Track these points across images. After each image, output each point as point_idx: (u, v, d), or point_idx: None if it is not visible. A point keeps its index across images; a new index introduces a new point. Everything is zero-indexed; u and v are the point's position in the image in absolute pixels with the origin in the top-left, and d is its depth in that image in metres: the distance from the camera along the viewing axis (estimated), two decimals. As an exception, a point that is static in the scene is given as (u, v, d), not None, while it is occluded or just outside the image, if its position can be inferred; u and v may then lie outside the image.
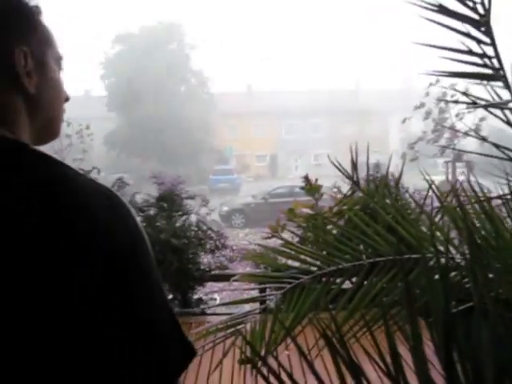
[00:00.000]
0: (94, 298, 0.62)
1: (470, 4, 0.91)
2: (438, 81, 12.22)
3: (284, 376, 0.93)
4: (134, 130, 28.18)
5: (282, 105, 33.66)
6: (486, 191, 1.51)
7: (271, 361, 0.97)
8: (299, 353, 0.98)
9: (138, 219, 0.72)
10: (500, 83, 1.17)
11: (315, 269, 1.68)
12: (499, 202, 1.49)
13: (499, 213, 1.47)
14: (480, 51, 0.97)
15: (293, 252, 1.75)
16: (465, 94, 1.05)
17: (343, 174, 2.00)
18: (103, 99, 29.55)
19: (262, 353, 1.62)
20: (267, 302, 1.69)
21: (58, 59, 0.80)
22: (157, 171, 5.08)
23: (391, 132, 32.84)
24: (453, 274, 1.46)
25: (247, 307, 3.00)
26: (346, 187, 2.18)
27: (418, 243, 1.53)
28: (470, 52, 0.97)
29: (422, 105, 13.33)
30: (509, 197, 1.38)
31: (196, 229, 4.81)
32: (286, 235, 2.37)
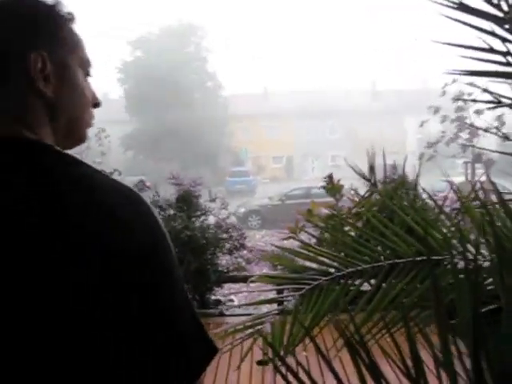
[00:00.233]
0: (95, 298, 0.61)
1: (495, 1, 0.90)
2: (454, 80, 12.06)
3: (302, 376, 0.93)
4: (150, 133, 28.43)
5: (297, 106, 33.59)
6: (505, 191, 1.49)
7: (290, 362, 0.98)
8: (317, 352, 0.98)
9: (160, 218, 0.72)
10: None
11: (333, 270, 1.67)
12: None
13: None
14: (504, 49, 0.95)
15: (311, 254, 1.74)
16: (486, 91, 1.03)
17: (360, 176, 1.99)
18: (121, 102, 29.88)
19: (281, 353, 1.62)
20: (285, 303, 1.69)
21: (84, 65, 0.80)
22: (174, 173, 5.12)
23: (409, 133, 32.51)
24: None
25: (264, 309, 3.00)
26: (362, 188, 2.16)
27: (438, 244, 1.51)
28: (492, 50, 0.96)
29: (437, 109, 13.15)
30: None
31: (214, 230, 4.83)
32: (304, 236, 2.36)
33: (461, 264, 1.44)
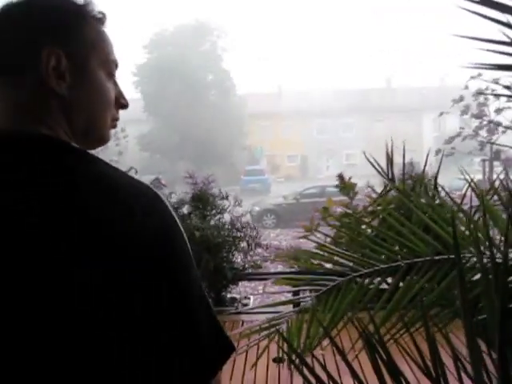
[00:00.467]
0: (98, 298, 0.61)
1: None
2: (479, 74, 11.89)
3: (319, 374, 0.93)
4: (166, 132, 28.61)
5: (312, 105, 33.46)
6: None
7: (306, 360, 0.97)
8: (337, 350, 0.98)
9: (176, 216, 0.71)
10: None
11: (350, 271, 1.66)
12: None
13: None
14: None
15: (326, 254, 1.73)
16: (509, 88, 1.01)
17: (378, 171, 1.97)
18: (137, 101, 30.11)
19: (298, 350, 1.61)
20: (302, 303, 1.68)
21: (107, 65, 0.78)
22: (190, 171, 5.14)
23: (425, 131, 32.17)
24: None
25: (281, 308, 3.00)
26: (378, 187, 2.14)
27: (474, 245, 1.48)
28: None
29: (461, 98, 12.92)
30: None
31: (230, 227, 4.84)
32: (319, 235, 2.34)
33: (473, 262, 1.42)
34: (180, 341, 0.66)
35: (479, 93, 10.83)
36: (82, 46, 0.74)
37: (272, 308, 2.61)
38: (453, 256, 1.50)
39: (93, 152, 0.74)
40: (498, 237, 1.59)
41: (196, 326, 0.68)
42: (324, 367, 0.95)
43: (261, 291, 6.85)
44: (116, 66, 0.81)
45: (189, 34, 30.10)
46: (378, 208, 1.96)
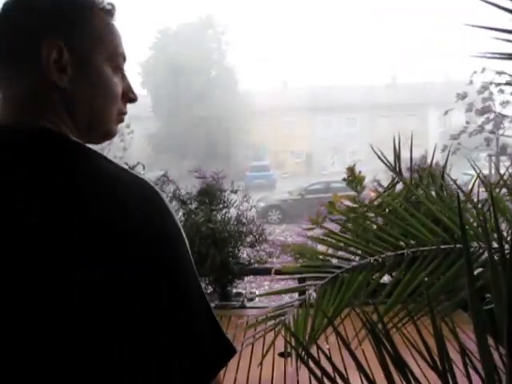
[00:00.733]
0: (98, 298, 0.61)
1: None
2: (483, 70, 11.84)
3: (325, 367, 0.93)
4: (170, 129, 28.64)
5: (317, 101, 33.38)
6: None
7: (313, 353, 0.97)
8: (341, 341, 0.98)
9: (176, 214, 0.70)
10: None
11: (357, 258, 1.67)
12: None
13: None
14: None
15: (334, 241, 1.74)
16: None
17: (386, 164, 1.97)
18: (142, 98, 30.14)
19: (304, 344, 1.62)
20: (308, 292, 1.69)
21: (114, 57, 0.76)
22: (196, 167, 5.16)
23: (430, 127, 32.03)
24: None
25: (287, 299, 3.00)
26: (384, 183, 2.14)
27: (483, 234, 1.48)
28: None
29: (465, 95, 12.88)
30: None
31: (236, 222, 4.86)
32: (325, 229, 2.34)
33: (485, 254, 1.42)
34: (180, 341, 0.65)
35: (485, 86, 10.78)
36: (87, 39, 0.73)
37: (275, 302, 2.61)
38: (459, 245, 1.50)
39: (97, 147, 0.73)
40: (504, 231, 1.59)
41: (196, 326, 0.68)
42: (329, 359, 0.96)
43: (266, 287, 6.87)
44: (124, 59, 0.79)
45: (192, 31, 30.08)
46: (385, 201, 1.96)
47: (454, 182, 1.69)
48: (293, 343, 1.58)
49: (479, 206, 1.67)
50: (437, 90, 31.04)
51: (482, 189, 1.69)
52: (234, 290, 5.02)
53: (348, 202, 2.57)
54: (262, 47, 72.49)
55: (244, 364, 3.42)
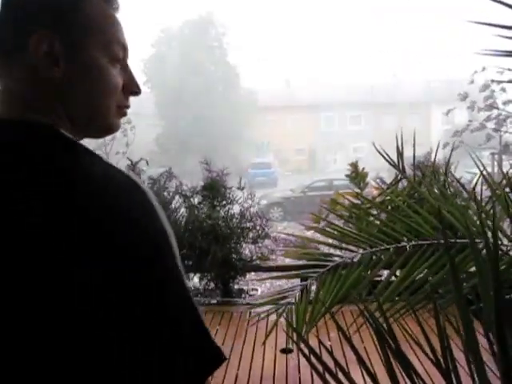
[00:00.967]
0: (98, 298, 0.60)
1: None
2: (484, 68, 11.80)
3: (326, 363, 0.94)
4: (173, 126, 28.63)
5: (320, 98, 33.32)
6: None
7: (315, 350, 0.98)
8: (343, 335, 0.98)
9: (163, 213, 0.69)
10: None
11: (359, 251, 1.69)
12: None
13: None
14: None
15: (336, 232, 1.75)
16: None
17: (388, 161, 1.97)
18: (145, 94, 30.11)
19: (304, 336, 1.64)
20: (308, 280, 1.71)
21: (110, 48, 0.73)
22: (207, 159, 5.17)
23: (433, 125, 31.94)
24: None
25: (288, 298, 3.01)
26: (386, 180, 2.15)
27: (465, 229, 1.49)
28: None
29: (466, 94, 12.85)
30: None
31: (238, 219, 4.86)
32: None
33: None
34: (181, 341, 0.64)
35: (486, 85, 10.72)
36: (80, 29, 0.70)
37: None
38: (459, 241, 1.51)
39: (99, 143, 0.72)
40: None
41: (196, 326, 0.67)
42: (331, 353, 0.97)
43: (268, 285, 6.88)
44: (124, 49, 0.75)
45: (194, 29, 30.03)
46: (388, 198, 1.97)
47: (459, 181, 1.69)
48: (294, 338, 1.59)
49: (483, 203, 1.67)
50: (441, 86, 30.94)
51: (485, 186, 1.69)
52: (236, 287, 5.03)
53: (351, 198, 2.57)
54: (264, 47, 72.43)
55: (246, 359, 3.44)
